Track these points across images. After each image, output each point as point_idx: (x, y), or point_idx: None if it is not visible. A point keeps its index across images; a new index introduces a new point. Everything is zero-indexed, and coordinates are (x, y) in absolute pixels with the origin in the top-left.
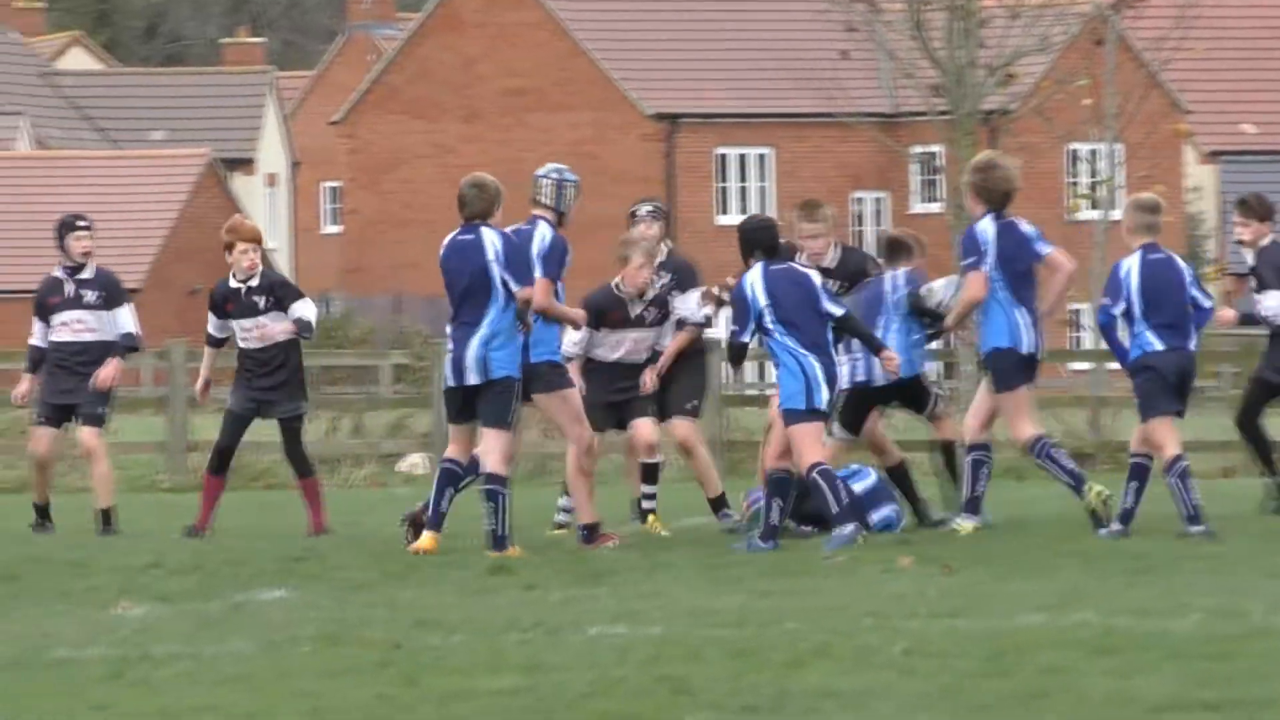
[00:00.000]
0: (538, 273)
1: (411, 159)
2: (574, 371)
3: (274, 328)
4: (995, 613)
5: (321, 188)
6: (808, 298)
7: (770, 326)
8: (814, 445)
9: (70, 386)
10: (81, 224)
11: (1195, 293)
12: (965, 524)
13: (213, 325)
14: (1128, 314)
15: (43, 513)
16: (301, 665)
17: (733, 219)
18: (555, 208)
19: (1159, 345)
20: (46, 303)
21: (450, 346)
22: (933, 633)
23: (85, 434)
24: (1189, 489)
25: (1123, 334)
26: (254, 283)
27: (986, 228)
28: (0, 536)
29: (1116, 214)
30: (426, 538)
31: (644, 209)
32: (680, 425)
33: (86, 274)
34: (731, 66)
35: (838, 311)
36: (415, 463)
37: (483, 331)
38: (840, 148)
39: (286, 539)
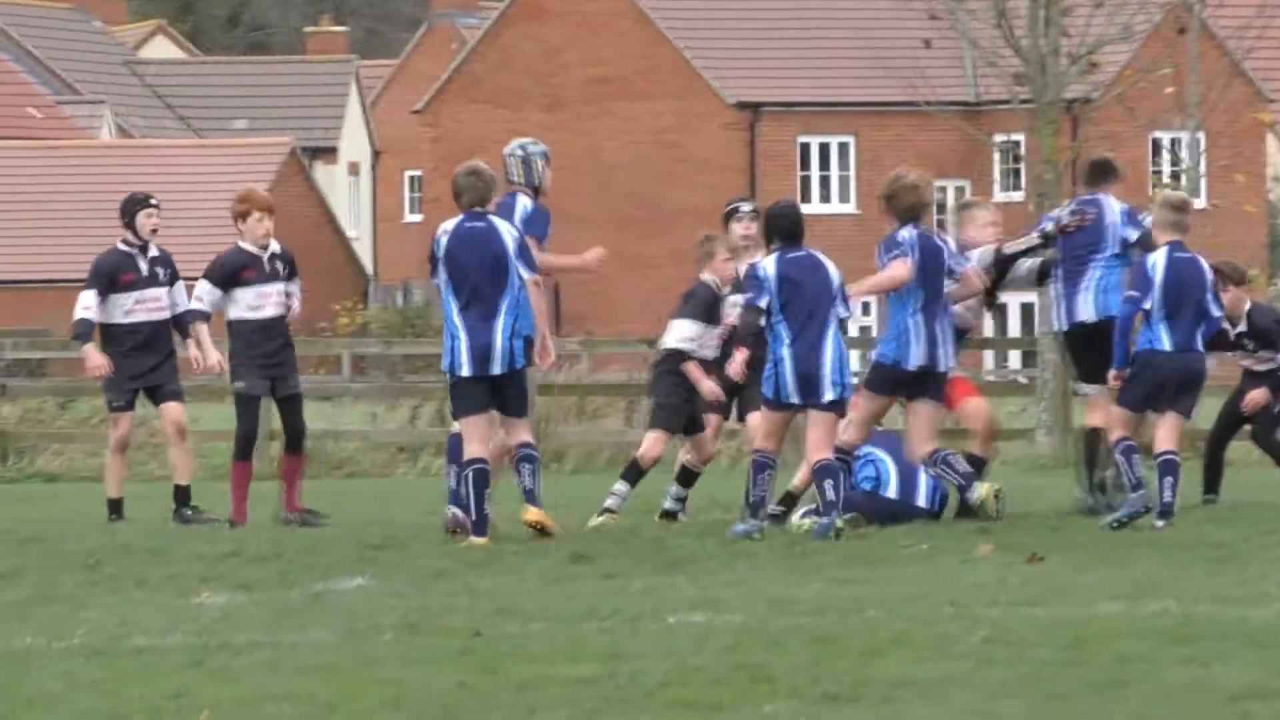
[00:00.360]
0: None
1: (493, 148)
2: (695, 371)
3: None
4: (1074, 601)
5: (404, 176)
6: (821, 289)
7: (773, 314)
8: (768, 433)
9: (153, 364)
10: (152, 201)
11: (1209, 301)
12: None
13: (213, 298)
14: (1148, 309)
15: (117, 507)
16: (382, 654)
17: (815, 208)
18: (528, 183)
19: (1168, 345)
20: (118, 279)
21: (465, 336)
22: (1011, 621)
23: (174, 410)
24: (1132, 463)
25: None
26: (275, 249)
27: (907, 234)
28: (81, 524)
29: (1200, 203)
30: (478, 543)
31: (745, 207)
32: None
33: (154, 252)
34: (813, 55)
35: (844, 313)
36: None
37: (503, 320)
38: (921, 136)
39: (365, 527)
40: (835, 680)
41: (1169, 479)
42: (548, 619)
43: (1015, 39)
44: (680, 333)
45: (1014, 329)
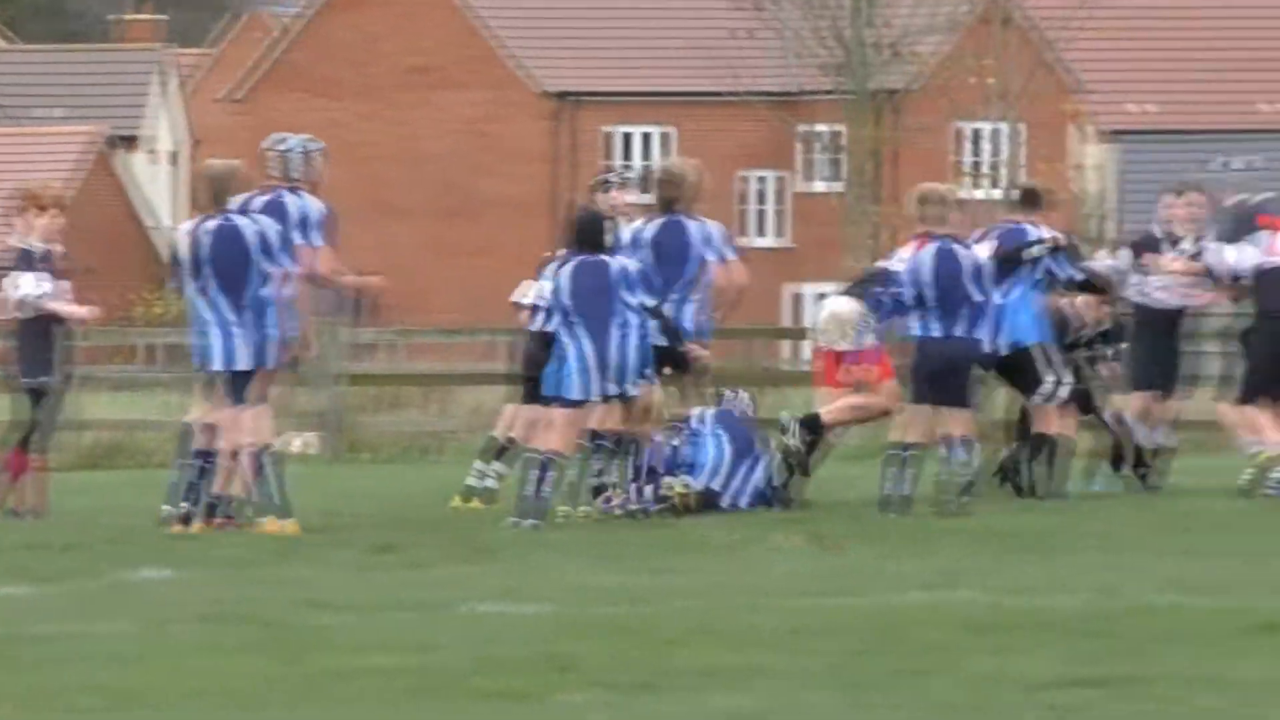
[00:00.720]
0: (318, 241)
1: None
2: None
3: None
4: (880, 591)
5: None
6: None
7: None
8: (551, 430)
9: None
10: None
11: (971, 286)
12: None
13: (30, 285)
14: (916, 300)
15: None
16: (185, 644)
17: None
18: (308, 179)
19: (934, 332)
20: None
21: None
22: (818, 611)
23: None
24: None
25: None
26: (60, 248)
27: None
28: None
29: (1007, 192)
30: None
31: (614, 178)
32: None
33: None
34: (630, 44)
35: (643, 302)
36: (309, 441)
37: (250, 317)
38: (740, 126)
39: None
40: (641, 669)
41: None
42: (353, 609)
43: (832, 29)
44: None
45: None
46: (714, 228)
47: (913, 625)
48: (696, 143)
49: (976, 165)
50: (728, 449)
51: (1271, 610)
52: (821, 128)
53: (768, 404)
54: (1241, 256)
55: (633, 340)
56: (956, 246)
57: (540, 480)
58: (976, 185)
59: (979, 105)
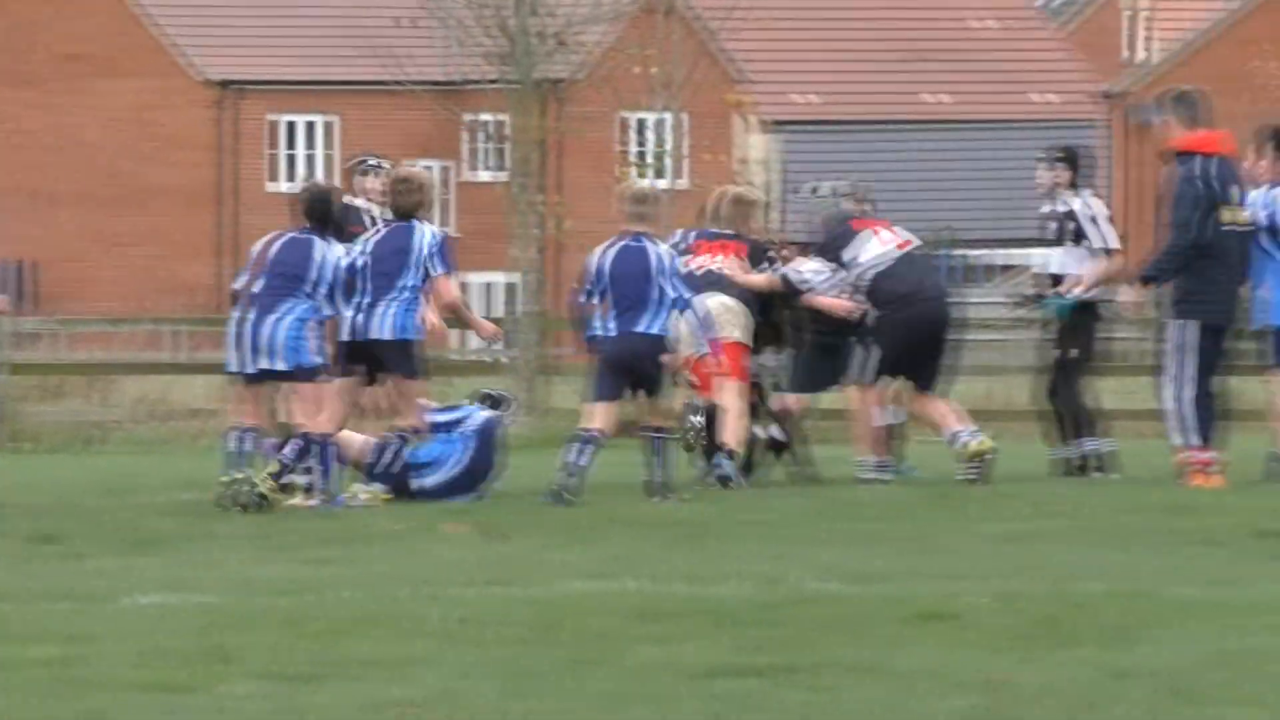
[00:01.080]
0: None
1: None
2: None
3: None
4: (545, 580)
5: None
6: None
7: None
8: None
9: None
10: None
11: (664, 282)
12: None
13: None
14: (601, 297)
15: None
16: None
17: (291, 186)
18: None
19: (613, 330)
20: None
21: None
22: (482, 601)
23: None
24: (581, 456)
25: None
26: None
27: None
28: None
29: (682, 183)
30: None
31: (372, 161)
32: None
33: None
34: (294, 33)
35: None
36: None
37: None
38: (403, 115)
39: None
40: (305, 660)
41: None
42: (11, 599)
43: (495, 18)
44: None
45: (499, 308)
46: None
47: (577, 614)
48: (361, 132)
49: (641, 155)
50: (465, 462)
51: (934, 599)
52: (486, 117)
53: (436, 392)
54: (815, 266)
55: (286, 321)
56: (648, 244)
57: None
58: (641, 175)
59: (643, 95)
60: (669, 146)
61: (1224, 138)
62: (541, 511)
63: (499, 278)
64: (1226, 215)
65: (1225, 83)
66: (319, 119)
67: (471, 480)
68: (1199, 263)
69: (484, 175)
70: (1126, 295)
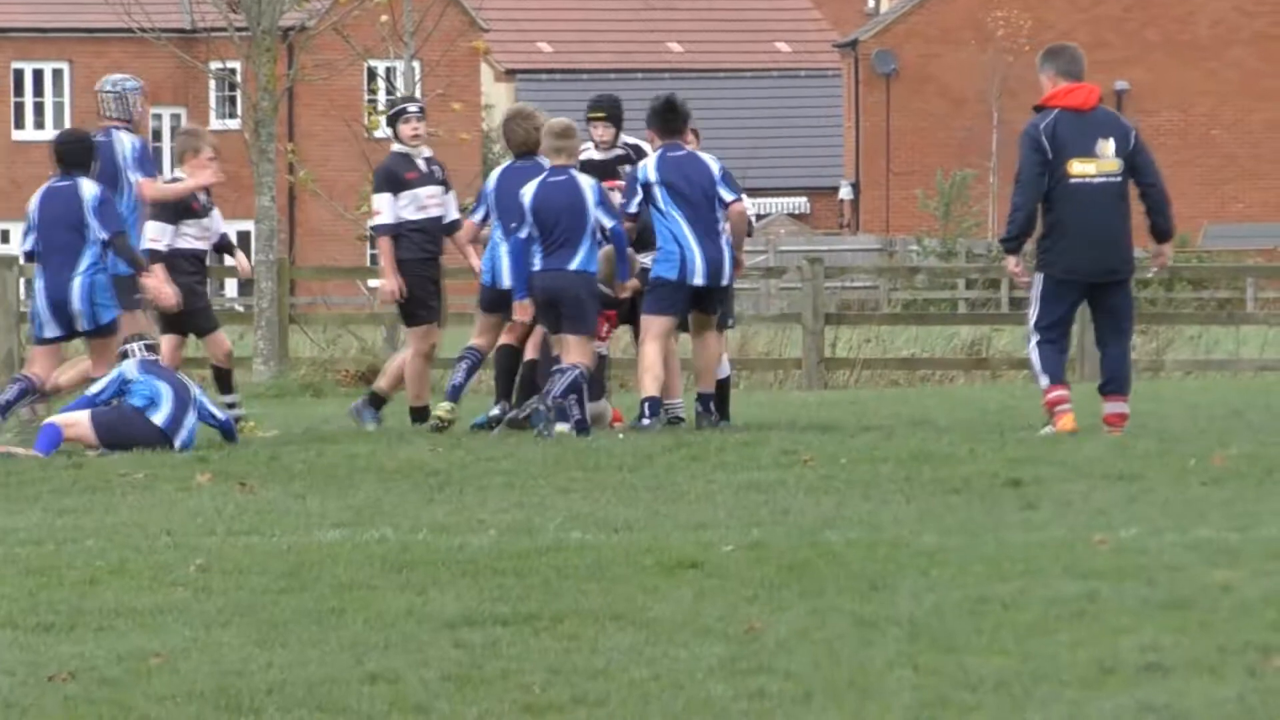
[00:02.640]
0: (139, 175)
1: None
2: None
3: None
4: (293, 529)
5: None
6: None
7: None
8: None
9: None
10: None
11: (600, 213)
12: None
13: None
14: (530, 236)
15: None
16: None
17: (29, 134)
18: (124, 117)
19: (539, 265)
20: None
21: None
22: (229, 550)
23: None
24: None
25: None
26: None
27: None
28: None
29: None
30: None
31: (412, 107)
32: None
33: None
34: None
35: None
36: None
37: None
38: (138, 63)
39: None
40: (51, 610)
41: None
42: None
43: None
44: (150, 233)
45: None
46: None
47: (326, 563)
48: (94, 79)
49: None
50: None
51: (682, 547)
52: (219, 65)
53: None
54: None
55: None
56: (576, 177)
57: None
58: (374, 126)
59: (378, 43)
60: (403, 94)
61: (1085, 91)
62: (289, 460)
63: (248, 226)
64: (1077, 168)
65: (958, 32)
66: (48, 66)
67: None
68: (1047, 216)
69: (231, 124)
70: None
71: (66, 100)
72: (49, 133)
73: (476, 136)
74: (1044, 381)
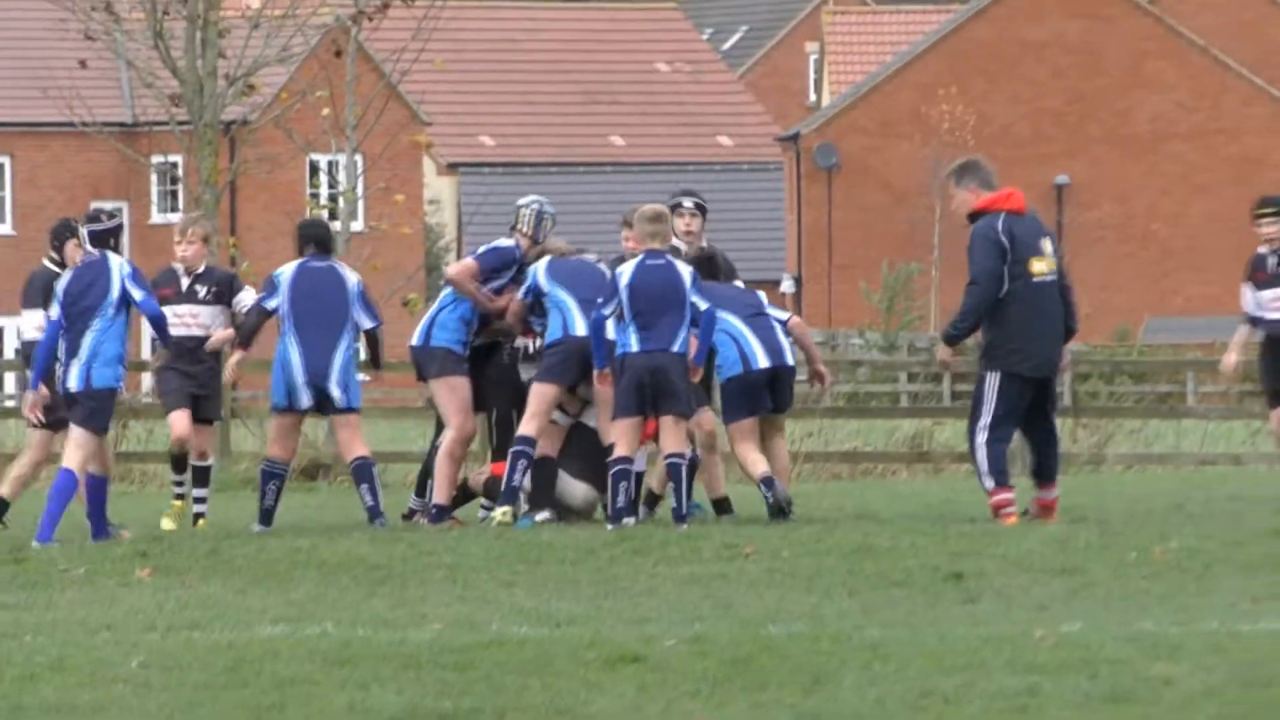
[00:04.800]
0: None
1: None
2: None
3: None
4: (233, 625)
5: None
6: None
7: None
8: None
9: None
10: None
11: (695, 297)
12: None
13: None
14: (620, 315)
15: None
16: None
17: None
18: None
19: (635, 347)
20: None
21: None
22: (170, 646)
23: None
24: (616, 490)
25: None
26: None
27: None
28: None
29: (357, 225)
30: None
31: (687, 203)
32: None
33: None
34: None
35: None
36: None
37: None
38: (80, 157)
39: None
40: None
41: (672, 483)
42: None
43: (172, 60)
44: (31, 322)
45: None
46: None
47: (266, 659)
48: (34, 173)
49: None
50: None
51: (628, 642)
52: (160, 158)
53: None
54: None
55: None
56: (673, 261)
57: None
58: (333, 217)
59: (320, 137)
60: (347, 188)
61: (1019, 195)
62: (229, 554)
63: None
64: (1037, 267)
65: (899, 125)
66: None
67: None
68: (1003, 314)
69: (160, 218)
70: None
71: (8, 194)
72: None
73: (419, 230)
74: (989, 483)
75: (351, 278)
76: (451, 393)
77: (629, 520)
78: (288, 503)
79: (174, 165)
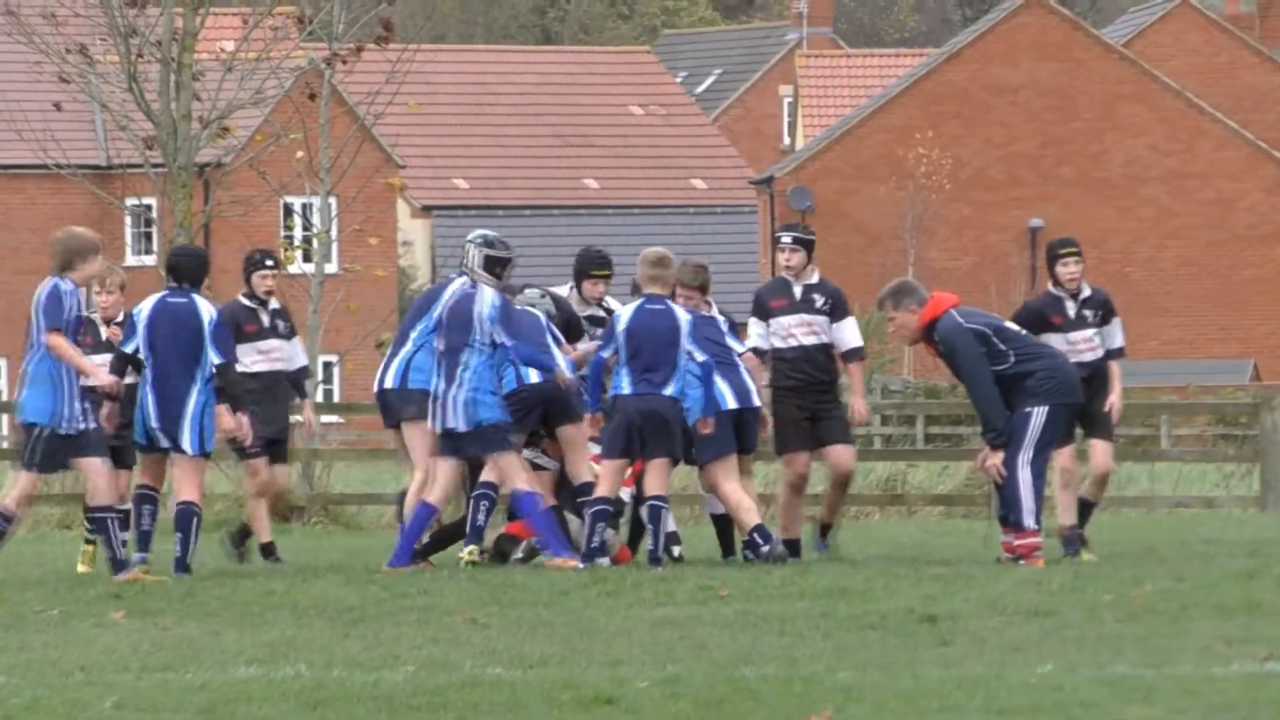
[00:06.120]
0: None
1: None
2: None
3: None
4: (207, 666)
5: None
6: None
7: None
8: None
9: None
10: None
11: (691, 346)
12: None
13: None
14: (618, 357)
15: None
16: None
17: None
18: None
19: (628, 389)
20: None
21: None
22: (144, 687)
23: None
24: (594, 529)
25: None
26: None
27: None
28: None
29: (331, 267)
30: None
31: (786, 238)
32: None
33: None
34: None
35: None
36: None
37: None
38: (55, 200)
39: None
40: None
41: (653, 526)
42: None
43: (146, 103)
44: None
45: None
46: None
47: (241, 700)
48: (8, 215)
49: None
50: None
51: (601, 683)
52: (135, 201)
53: None
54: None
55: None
56: (671, 306)
57: None
58: (308, 259)
59: (295, 179)
60: (321, 230)
61: (946, 294)
62: (204, 596)
63: None
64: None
65: (873, 168)
66: None
67: None
68: (1030, 360)
69: (134, 260)
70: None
71: None
72: None
73: (392, 272)
74: (1030, 522)
75: (206, 312)
76: (425, 436)
77: (604, 560)
78: (253, 543)
79: (148, 208)
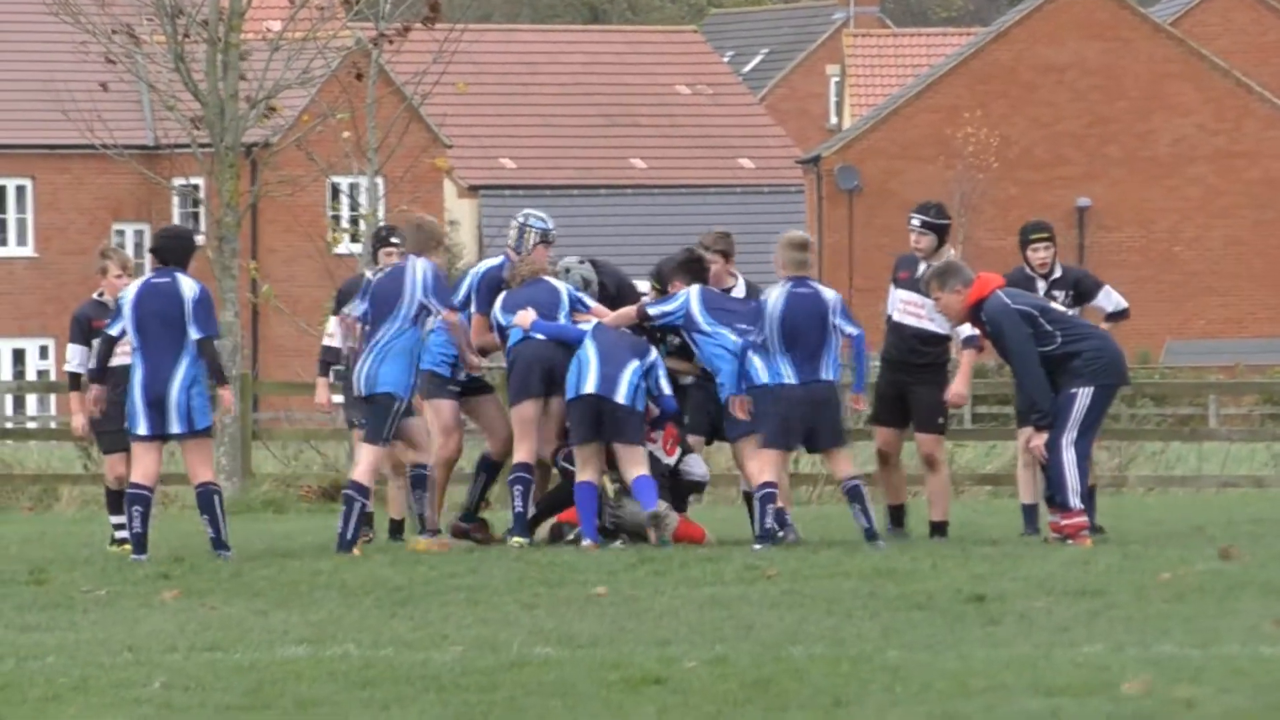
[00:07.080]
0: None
1: None
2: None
3: None
4: (255, 646)
5: None
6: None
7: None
8: None
9: None
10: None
11: (839, 321)
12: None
13: None
14: (766, 344)
15: None
16: None
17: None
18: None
19: (791, 379)
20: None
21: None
22: (192, 667)
23: None
24: (765, 512)
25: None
26: None
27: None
28: None
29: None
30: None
31: (915, 221)
32: None
33: None
34: None
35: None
36: None
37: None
38: (101, 179)
39: None
40: None
41: (857, 505)
42: None
43: (193, 83)
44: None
45: None
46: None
47: (289, 680)
48: (56, 195)
49: (355, 220)
50: None
51: (645, 663)
52: (182, 181)
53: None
54: None
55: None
56: (818, 288)
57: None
58: (355, 239)
59: (342, 159)
60: (368, 210)
61: (993, 275)
62: (252, 576)
63: None
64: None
65: (920, 148)
66: (10, 183)
67: None
68: (1077, 339)
69: (195, 239)
70: None
71: (29, 216)
72: (11, 249)
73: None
74: (1075, 502)
75: (189, 290)
76: (436, 415)
77: (616, 543)
78: (309, 524)
79: (195, 188)
